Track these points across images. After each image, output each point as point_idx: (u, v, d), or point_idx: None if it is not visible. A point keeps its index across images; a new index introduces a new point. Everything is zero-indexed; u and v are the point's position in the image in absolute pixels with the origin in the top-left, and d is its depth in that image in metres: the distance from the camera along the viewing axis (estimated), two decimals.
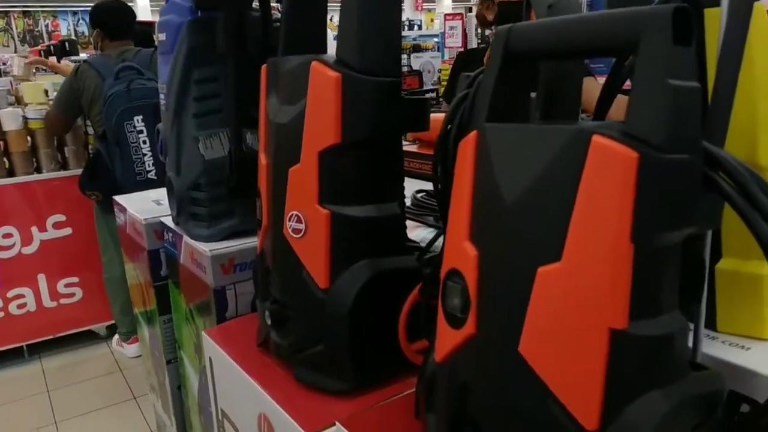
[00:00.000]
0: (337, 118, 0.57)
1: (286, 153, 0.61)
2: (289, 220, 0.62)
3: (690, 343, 0.51)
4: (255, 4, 0.85)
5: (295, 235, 0.62)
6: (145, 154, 2.14)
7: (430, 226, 0.88)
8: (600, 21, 0.41)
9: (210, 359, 0.79)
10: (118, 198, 1.22)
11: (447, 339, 0.46)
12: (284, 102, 0.63)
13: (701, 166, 0.40)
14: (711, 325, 0.59)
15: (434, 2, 11.25)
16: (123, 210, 1.18)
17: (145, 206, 1.13)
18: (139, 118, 2.10)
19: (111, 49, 2.27)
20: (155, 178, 2.15)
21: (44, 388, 2.45)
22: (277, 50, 0.66)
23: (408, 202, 1.01)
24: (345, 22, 0.58)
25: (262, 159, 0.67)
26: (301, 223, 0.61)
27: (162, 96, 0.88)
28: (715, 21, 0.48)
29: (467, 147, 0.44)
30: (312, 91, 0.59)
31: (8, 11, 9.88)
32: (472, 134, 0.44)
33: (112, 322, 2.69)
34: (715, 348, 0.56)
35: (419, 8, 10.84)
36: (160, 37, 0.88)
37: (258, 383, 0.66)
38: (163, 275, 1.08)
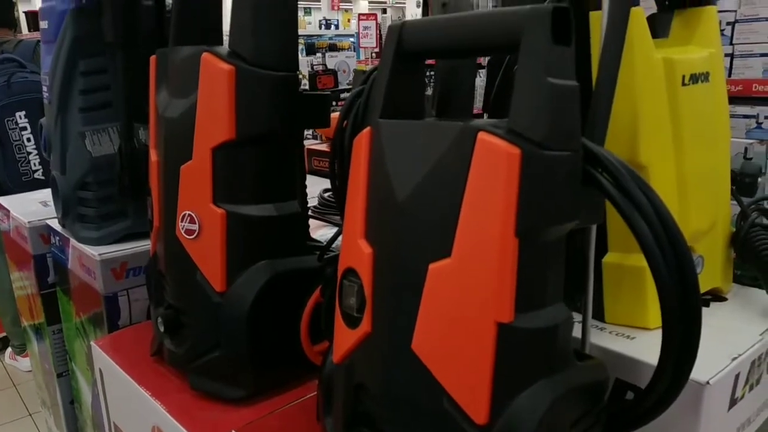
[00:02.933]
0: (231, 113, 0.55)
1: (177, 149, 0.58)
2: (182, 221, 0.58)
3: (579, 335, 0.53)
4: None
5: (188, 236, 0.58)
6: (29, 153, 1.99)
7: (336, 225, 0.87)
8: (484, 20, 0.42)
9: (100, 371, 0.74)
10: (1, 199, 1.12)
11: (344, 339, 0.45)
12: (174, 95, 0.60)
13: (581, 163, 0.41)
14: (599, 316, 0.62)
15: (351, 2, 11.27)
16: (6, 213, 1.08)
17: (30, 208, 1.04)
18: (22, 113, 1.94)
19: None
20: (43, 177, 2.00)
21: None
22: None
23: (315, 201, 1.00)
24: (238, 12, 0.55)
25: (153, 156, 0.63)
26: (195, 223, 0.58)
27: (45, 89, 0.81)
28: (599, 24, 0.50)
29: (361, 143, 0.43)
30: (203, 84, 0.56)
31: None
32: (366, 130, 0.43)
33: (4, 334, 2.49)
34: (603, 338, 0.58)
35: (336, 8, 10.83)
36: (42, 24, 0.82)
37: (150, 394, 0.62)
38: (51, 282, 1.00)
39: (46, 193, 1.13)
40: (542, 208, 0.38)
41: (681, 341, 0.41)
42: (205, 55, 0.55)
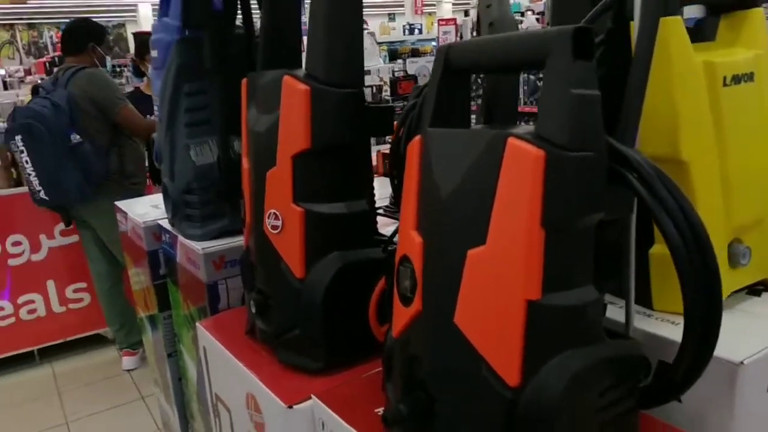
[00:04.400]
0: (307, 126, 0.64)
1: (264, 158, 0.69)
2: (268, 218, 0.69)
3: (623, 319, 0.58)
4: (239, 22, 0.92)
5: (273, 231, 0.69)
6: (29, 174, 2.11)
7: None
8: (517, 41, 0.49)
9: (204, 348, 0.87)
10: (119, 204, 1.30)
11: (401, 316, 0.53)
12: (262, 112, 0.70)
13: (605, 162, 0.47)
14: (647, 303, 0.66)
15: (434, 5, 11.33)
16: (124, 215, 1.25)
17: (144, 210, 1.21)
18: (18, 138, 2.08)
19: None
20: (47, 198, 2.14)
21: (55, 390, 2.54)
22: None
23: (387, 201, 1.08)
24: (312, 39, 0.65)
25: (245, 163, 0.75)
26: (279, 220, 0.68)
27: (156, 108, 0.96)
28: None
29: (413, 149, 0.51)
30: (284, 102, 0.66)
31: (13, 24, 10.03)
32: (417, 138, 0.51)
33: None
34: (649, 324, 0.63)
35: (419, 12, 10.93)
36: (153, 54, 0.96)
37: (245, 366, 0.73)
38: (162, 274, 1.15)
39: (155, 198, 1.30)
40: (567, 203, 0.44)
41: (702, 325, 0.46)
42: (285, 77, 0.66)
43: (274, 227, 0.69)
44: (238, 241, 0.95)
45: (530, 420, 0.44)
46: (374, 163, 1.00)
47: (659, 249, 0.65)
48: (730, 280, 0.66)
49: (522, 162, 0.44)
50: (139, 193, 2.39)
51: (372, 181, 0.72)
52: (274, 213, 0.68)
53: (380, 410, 0.60)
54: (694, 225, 0.45)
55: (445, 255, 0.48)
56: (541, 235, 0.44)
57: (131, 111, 2.30)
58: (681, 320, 0.63)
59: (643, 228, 0.57)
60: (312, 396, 0.64)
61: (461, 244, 0.46)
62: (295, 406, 0.64)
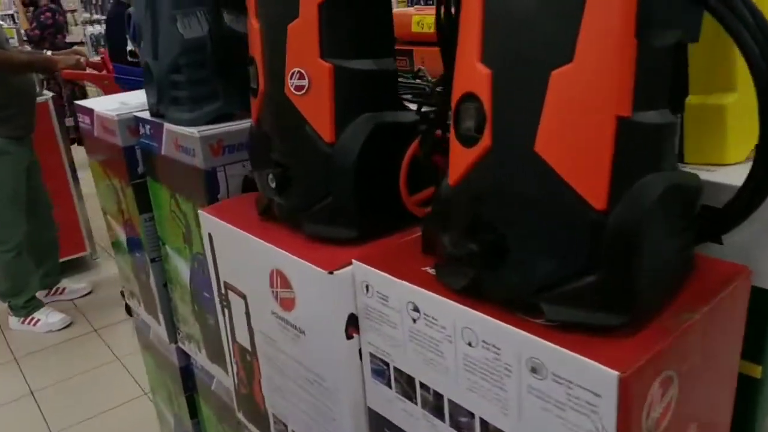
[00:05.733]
0: None
1: (283, 10, 0.62)
2: (291, 78, 0.63)
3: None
4: None
5: (297, 93, 0.64)
6: None
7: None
8: None
9: (210, 235, 0.82)
10: (81, 102, 1.19)
11: (461, 160, 0.50)
12: None
13: None
14: (679, 158, 0.66)
15: None
16: (89, 113, 1.15)
17: (114, 106, 1.11)
18: None
19: None
20: None
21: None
22: None
23: None
24: None
25: (254, 24, 0.68)
26: (304, 79, 0.63)
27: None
28: None
29: None
30: None
31: None
32: None
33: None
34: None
35: None
36: None
37: (267, 242, 0.70)
38: (141, 173, 1.07)
39: (122, 96, 1.20)
40: (657, 12, 0.42)
41: None
42: None
43: (299, 88, 0.63)
44: (236, 125, 0.88)
45: (619, 242, 0.44)
46: None
47: (695, 99, 0.64)
48: None
49: None
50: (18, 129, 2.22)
51: (394, 37, 0.68)
52: (299, 72, 0.63)
53: (427, 268, 0.59)
54: None
55: (523, 81, 0.45)
56: (634, 47, 0.42)
57: None
58: (716, 169, 0.64)
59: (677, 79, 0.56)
60: (353, 261, 0.62)
61: (542, 66, 0.43)
62: (335, 272, 0.61)
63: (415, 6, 1.34)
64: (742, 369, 0.59)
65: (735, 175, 0.63)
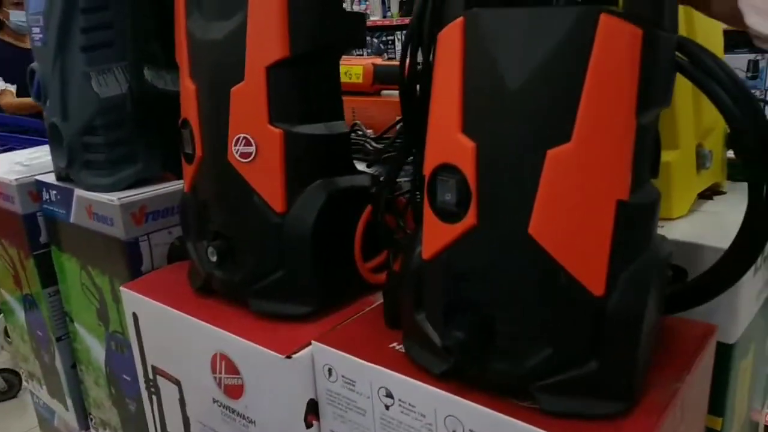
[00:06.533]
0: (285, 30, 0.55)
1: (225, 72, 0.57)
2: (236, 144, 0.58)
3: None
4: None
5: (243, 160, 0.58)
6: None
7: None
8: None
9: (134, 315, 0.73)
10: None
11: (438, 235, 0.46)
12: (214, 18, 0.58)
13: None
14: None
15: None
16: None
17: (7, 167, 0.99)
18: None
19: None
20: None
21: None
22: None
23: None
24: None
25: (189, 85, 0.62)
26: (251, 146, 0.57)
27: (37, 30, 0.76)
28: None
29: (451, 36, 0.44)
30: (253, 1, 0.55)
31: None
32: (458, 21, 0.43)
33: None
34: None
35: None
36: None
37: (208, 323, 0.62)
38: (44, 243, 0.95)
39: (23, 154, 1.07)
40: (654, 89, 0.41)
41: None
42: None
43: (245, 155, 0.58)
44: (158, 189, 0.80)
45: (621, 329, 0.42)
46: None
47: None
48: (696, 183, 0.70)
49: (619, 41, 0.38)
50: None
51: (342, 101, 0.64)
52: (245, 138, 0.58)
53: (395, 345, 0.55)
54: (751, 98, 0.43)
55: (514, 158, 0.41)
56: (635, 126, 0.40)
57: None
58: (663, 224, 0.66)
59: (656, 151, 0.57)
60: (312, 342, 0.56)
61: (537, 143, 0.40)
62: (293, 356, 0.55)
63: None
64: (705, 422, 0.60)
65: (682, 228, 0.65)
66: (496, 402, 0.45)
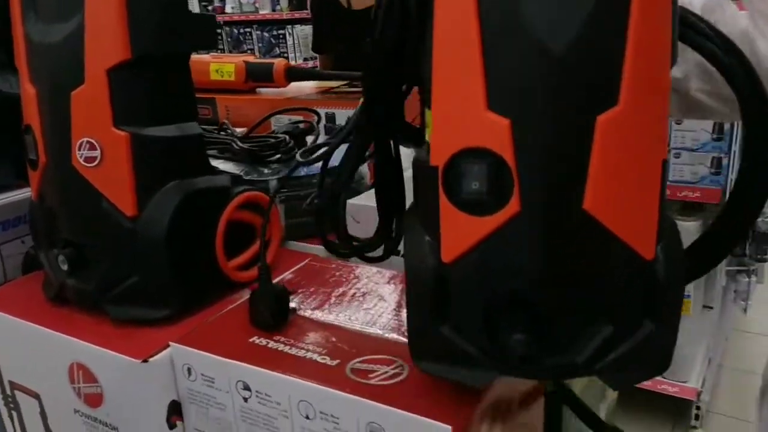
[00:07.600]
0: (124, 31, 0.54)
1: (64, 75, 0.56)
2: (79, 149, 0.57)
3: None
4: None
5: (88, 165, 0.57)
6: None
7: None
8: None
9: None
10: None
11: (465, 232, 0.40)
12: (52, 20, 0.57)
13: None
14: None
15: None
16: None
17: None
18: None
19: None
20: None
21: None
22: None
23: None
24: None
25: (29, 89, 0.60)
26: (96, 150, 0.56)
27: None
28: None
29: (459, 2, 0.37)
30: (90, 3, 0.54)
31: None
32: None
33: None
34: None
35: None
36: None
37: (62, 333, 0.61)
38: None
39: None
40: (674, 47, 0.40)
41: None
42: None
43: (89, 159, 0.57)
44: (8, 197, 0.76)
45: (669, 292, 0.41)
46: None
47: None
48: None
49: None
50: None
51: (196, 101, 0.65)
52: (89, 142, 0.56)
53: (255, 338, 0.56)
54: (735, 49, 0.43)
55: (559, 131, 0.37)
56: (670, 82, 0.38)
57: None
58: None
59: None
60: (170, 343, 0.56)
61: (586, 109, 0.36)
62: (150, 359, 0.55)
63: (211, 54, 1.30)
64: None
65: None
66: (343, 383, 0.48)
